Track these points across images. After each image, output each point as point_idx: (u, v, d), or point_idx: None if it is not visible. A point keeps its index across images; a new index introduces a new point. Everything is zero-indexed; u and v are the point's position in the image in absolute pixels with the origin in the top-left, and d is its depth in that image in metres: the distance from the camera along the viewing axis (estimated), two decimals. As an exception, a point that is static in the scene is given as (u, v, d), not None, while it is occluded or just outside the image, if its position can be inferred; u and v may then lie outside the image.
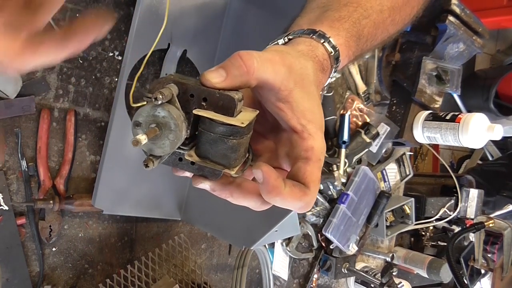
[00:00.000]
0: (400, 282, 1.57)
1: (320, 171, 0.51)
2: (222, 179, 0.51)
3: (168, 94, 0.45)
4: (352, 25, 0.61)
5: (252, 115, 0.49)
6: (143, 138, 0.44)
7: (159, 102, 0.45)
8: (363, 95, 1.47)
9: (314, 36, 0.57)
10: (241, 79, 0.47)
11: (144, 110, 0.46)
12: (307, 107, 0.51)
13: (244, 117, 0.48)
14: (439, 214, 1.66)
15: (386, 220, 1.52)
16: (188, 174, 0.52)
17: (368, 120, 1.45)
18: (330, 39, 0.57)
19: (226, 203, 0.54)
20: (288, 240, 1.38)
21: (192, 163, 0.50)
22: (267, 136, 0.56)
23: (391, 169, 1.58)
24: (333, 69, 0.59)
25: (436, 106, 1.46)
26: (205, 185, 0.51)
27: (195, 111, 0.47)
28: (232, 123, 0.46)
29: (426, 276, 1.62)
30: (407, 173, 1.62)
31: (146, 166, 0.47)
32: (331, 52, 0.57)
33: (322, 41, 0.57)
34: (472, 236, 1.76)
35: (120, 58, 1.03)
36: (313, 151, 0.50)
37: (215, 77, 0.47)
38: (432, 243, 1.80)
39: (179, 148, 0.49)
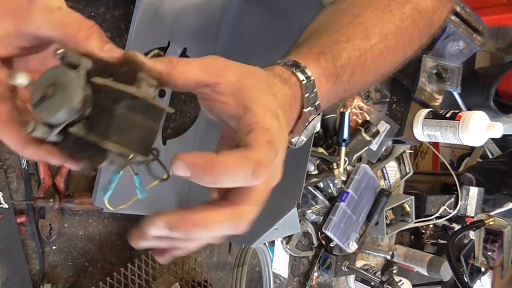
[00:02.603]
0: (400, 280, 1.57)
1: (270, 141, 0.44)
2: None
3: (75, 59, 0.43)
4: (323, 46, 0.58)
5: (160, 104, 0.45)
6: (22, 76, 0.42)
7: (58, 57, 0.43)
8: (363, 93, 1.47)
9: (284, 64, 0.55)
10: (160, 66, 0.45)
11: (46, 71, 0.44)
12: (254, 93, 0.47)
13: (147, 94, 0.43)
14: (439, 212, 1.66)
15: (386, 218, 1.52)
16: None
17: (368, 118, 1.45)
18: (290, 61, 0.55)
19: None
20: (288, 238, 1.38)
21: (66, 141, 0.45)
22: None
23: (391, 167, 1.58)
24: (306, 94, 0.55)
25: (436, 104, 1.46)
26: None
27: (92, 79, 0.43)
28: (123, 89, 0.42)
29: (426, 274, 1.62)
30: (407, 171, 1.62)
31: (26, 127, 0.43)
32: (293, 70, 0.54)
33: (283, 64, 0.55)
34: (472, 234, 1.76)
35: (120, 56, 1.03)
36: (257, 123, 0.45)
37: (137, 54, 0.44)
38: (432, 241, 1.80)
39: (70, 126, 0.43)
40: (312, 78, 0.54)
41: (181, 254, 0.49)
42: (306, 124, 0.56)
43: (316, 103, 0.56)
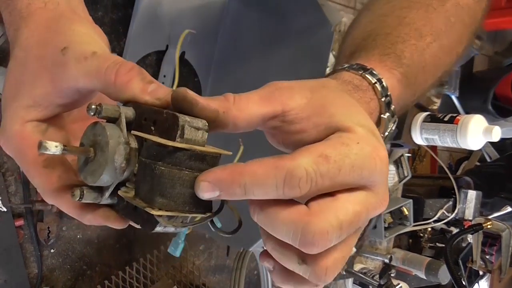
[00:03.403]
0: (398, 284, 1.57)
1: (328, 159, 0.37)
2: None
3: (112, 112, 0.38)
4: (383, 48, 0.53)
5: (212, 149, 0.38)
6: (52, 146, 0.36)
7: (92, 113, 0.38)
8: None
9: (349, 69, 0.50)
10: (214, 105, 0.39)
11: (86, 130, 0.40)
12: (335, 108, 0.41)
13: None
14: (437, 216, 1.66)
15: (384, 222, 1.52)
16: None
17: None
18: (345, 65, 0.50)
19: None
20: (286, 242, 1.37)
21: (121, 203, 0.41)
22: None
23: (390, 170, 1.58)
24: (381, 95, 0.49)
25: (434, 107, 1.46)
26: None
27: (132, 132, 0.39)
28: (161, 142, 0.36)
29: (424, 277, 1.62)
30: (405, 174, 1.62)
31: (72, 195, 0.40)
32: (362, 72, 0.49)
33: (346, 68, 0.50)
34: (470, 238, 1.76)
35: (118, 59, 1.03)
36: (341, 136, 0.38)
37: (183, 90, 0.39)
38: (430, 244, 1.80)
39: (122, 185, 0.40)
40: (383, 79, 0.49)
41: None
42: (386, 132, 0.51)
43: (392, 107, 0.50)
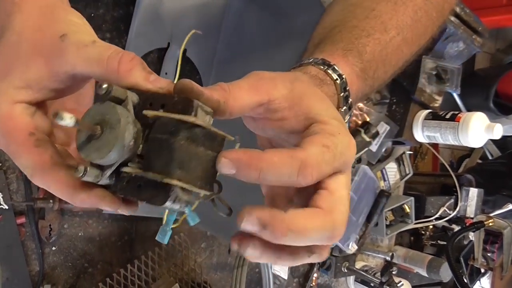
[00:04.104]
0: (400, 281, 1.57)
1: (329, 148, 0.41)
2: None
3: (121, 93, 0.40)
4: (347, 42, 0.57)
5: (220, 131, 0.42)
6: (68, 117, 0.37)
7: (103, 92, 0.39)
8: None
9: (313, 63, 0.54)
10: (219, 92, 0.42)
11: (91, 109, 0.40)
12: (312, 101, 0.45)
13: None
14: (438, 213, 1.66)
15: (386, 219, 1.52)
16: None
17: (367, 119, 1.45)
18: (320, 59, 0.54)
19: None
20: (288, 239, 1.37)
21: (119, 183, 0.41)
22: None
23: (391, 168, 1.58)
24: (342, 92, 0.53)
25: (436, 105, 1.46)
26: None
27: (144, 112, 0.40)
28: (182, 118, 0.38)
29: (426, 275, 1.62)
30: (407, 172, 1.62)
31: (76, 170, 0.39)
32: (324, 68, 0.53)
33: (312, 63, 0.54)
34: (471, 235, 1.76)
35: (120, 57, 1.03)
36: (323, 130, 0.42)
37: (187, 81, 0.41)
38: (432, 242, 1.80)
39: (122, 166, 0.40)
40: (344, 76, 0.53)
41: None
42: None
43: (349, 101, 0.54)
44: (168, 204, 0.39)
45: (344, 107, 0.54)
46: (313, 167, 0.40)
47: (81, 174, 0.39)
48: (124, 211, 0.43)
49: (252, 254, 0.40)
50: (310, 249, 0.42)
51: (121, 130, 0.38)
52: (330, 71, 0.52)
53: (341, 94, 0.53)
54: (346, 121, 0.54)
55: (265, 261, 0.42)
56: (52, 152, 0.43)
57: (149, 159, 0.39)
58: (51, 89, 0.43)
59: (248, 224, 0.38)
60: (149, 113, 0.39)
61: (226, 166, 0.39)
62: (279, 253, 0.41)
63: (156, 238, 0.52)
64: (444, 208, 1.68)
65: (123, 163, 0.40)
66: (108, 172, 0.40)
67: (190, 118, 0.38)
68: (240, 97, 0.43)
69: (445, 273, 1.58)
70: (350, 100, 0.54)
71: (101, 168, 0.40)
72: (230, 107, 0.43)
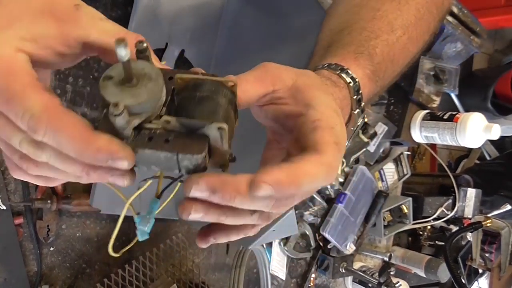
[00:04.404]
0: (398, 282, 1.57)
1: (337, 142, 0.43)
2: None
3: (150, 56, 0.43)
4: (357, 45, 0.58)
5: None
6: (127, 49, 0.37)
7: (143, 47, 0.42)
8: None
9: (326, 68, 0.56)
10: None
11: (119, 64, 0.39)
12: (314, 91, 0.47)
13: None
14: (436, 214, 1.66)
15: (383, 220, 1.52)
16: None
17: (365, 120, 1.45)
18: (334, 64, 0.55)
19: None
20: (285, 240, 1.38)
21: (152, 137, 0.40)
22: None
23: (389, 168, 1.58)
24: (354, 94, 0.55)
25: (434, 105, 1.46)
26: (200, 192, 0.39)
27: (177, 75, 0.42)
28: (222, 80, 0.42)
29: (424, 275, 1.62)
30: (405, 172, 1.62)
31: (115, 105, 0.37)
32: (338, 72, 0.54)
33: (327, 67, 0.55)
34: (469, 236, 1.76)
35: (117, 57, 1.03)
36: (321, 121, 0.44)
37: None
38: (430, 242, 1.80)
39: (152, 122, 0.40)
40: (357, 79, 0.54)
41: (224, 240, 0.47)
42: (355, 127, 0.57)
43: (362, 104, 0.56)
44: (202, 155, 0.39)
45: (357, 110, 0.55)
46: (336, 169, 0.42)
47: (118, 112, 0.37)
48: (127, 177, 0.41)
49: (197, 213, 0.41)
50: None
51: (160, 83, 0.40)
52: (343, 75, 0.54)
53: (354, 97, 0.54)
54: (359, 123, 0.57)
55: (209, 220, 0.42)
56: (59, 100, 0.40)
57: (188, 111, 0.41)
58: (55, 52, 0.42)
59: (197, 191, 0.39)
60: (183, 75, 0.42)
61: (266, 190, 0.38)
62: (222, 211, 0.42)
63: (136, 231, 0.51)
64: (442, 208, 1.68)
65: (145, 121, 0.40)
66: (136, 121, 0.39)
67: (228, 83, 0.42)
68: (247, 89, 0.46)
69: (443, 274, 1.58)
70: (363, 103, 0.56)
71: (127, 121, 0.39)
72: (239, 99, 0.45)
